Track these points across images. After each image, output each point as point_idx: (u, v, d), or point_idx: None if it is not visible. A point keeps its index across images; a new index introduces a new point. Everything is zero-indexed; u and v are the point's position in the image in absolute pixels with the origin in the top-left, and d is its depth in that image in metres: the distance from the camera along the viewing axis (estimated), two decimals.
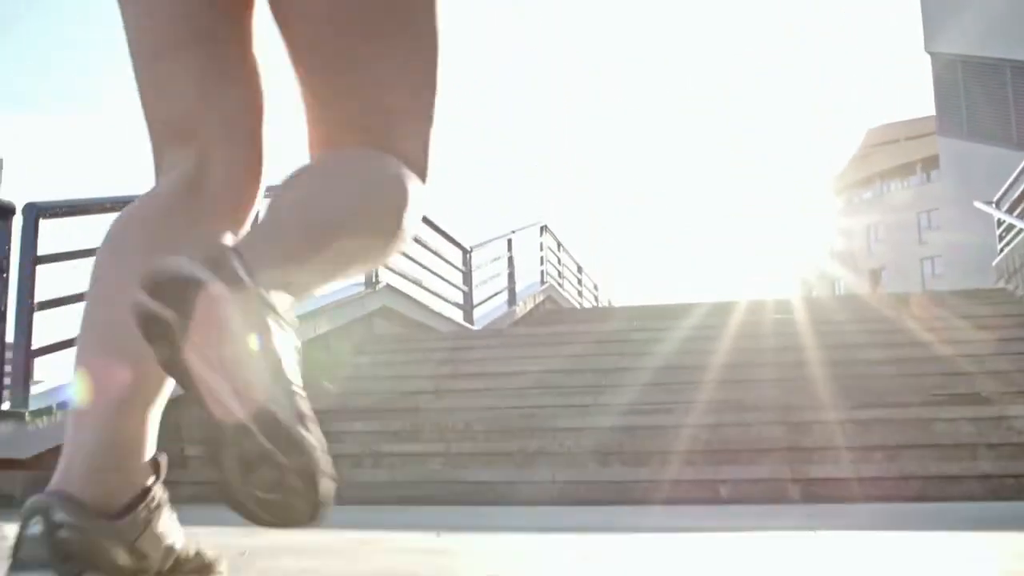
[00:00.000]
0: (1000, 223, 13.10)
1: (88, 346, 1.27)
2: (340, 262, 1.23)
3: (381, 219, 1.24)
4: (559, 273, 15.19)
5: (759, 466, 4.75)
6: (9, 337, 4.63)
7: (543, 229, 14.18)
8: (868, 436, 4.84)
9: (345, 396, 6.55)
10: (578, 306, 16.13)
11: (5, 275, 4.60)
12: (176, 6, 1.30)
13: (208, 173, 1.32)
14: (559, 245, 15.32)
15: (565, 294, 15.31)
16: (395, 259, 8.71)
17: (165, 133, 1.35)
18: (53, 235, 4.88)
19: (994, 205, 13.03)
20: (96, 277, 1.29)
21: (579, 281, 16.86)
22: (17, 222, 4.71)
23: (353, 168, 1.25)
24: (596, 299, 18.37)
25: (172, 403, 1.30)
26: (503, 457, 5.09)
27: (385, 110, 1.28)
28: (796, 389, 5.72)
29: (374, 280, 8.27)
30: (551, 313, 13.17)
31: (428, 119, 1.32)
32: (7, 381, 4.64)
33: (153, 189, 1.34)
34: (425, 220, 9.56)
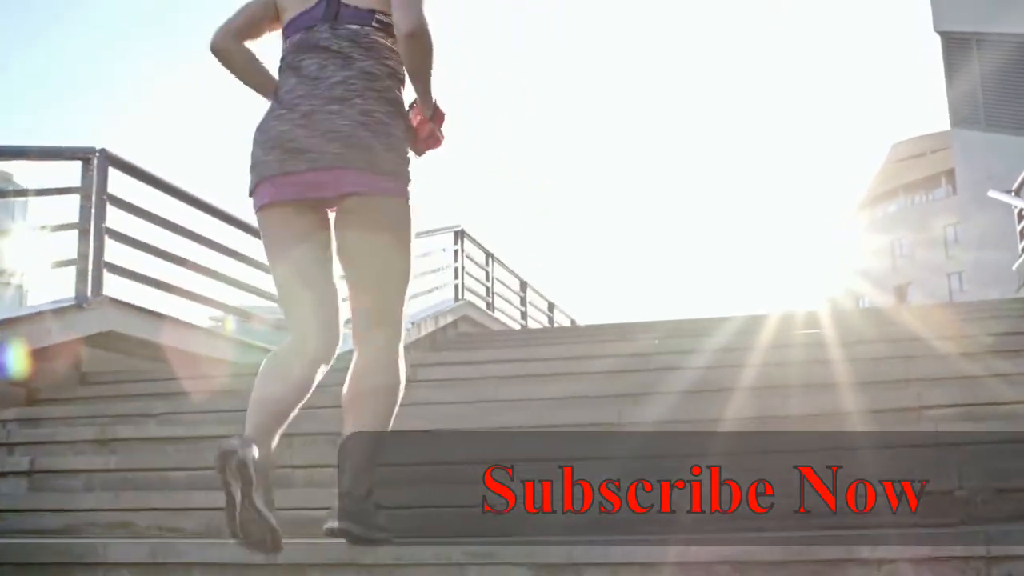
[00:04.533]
0: (1021, 216, 10.43)
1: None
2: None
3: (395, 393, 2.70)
4: (488, 290, 12.64)
5: None
6: None
7: (459, 235, 11.66)
8: None
9: None
10: (519, 328, 13.57)
11: None
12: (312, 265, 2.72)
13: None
14: (489, 257, 12.78)
15: (497, 315, 12.74)
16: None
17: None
18: None
19: (1013, 194, 10.37)
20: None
21: (522, 300, 14.28)
22: None
23: (375, 381, 2.67)
24: (551, 320, 15.76)
25: None
26: None
27: (388, 310, 2.71)
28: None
29: (91, 293, 5.43)
30: (463, 338, 10.52)
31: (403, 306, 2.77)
32: None
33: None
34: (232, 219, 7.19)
